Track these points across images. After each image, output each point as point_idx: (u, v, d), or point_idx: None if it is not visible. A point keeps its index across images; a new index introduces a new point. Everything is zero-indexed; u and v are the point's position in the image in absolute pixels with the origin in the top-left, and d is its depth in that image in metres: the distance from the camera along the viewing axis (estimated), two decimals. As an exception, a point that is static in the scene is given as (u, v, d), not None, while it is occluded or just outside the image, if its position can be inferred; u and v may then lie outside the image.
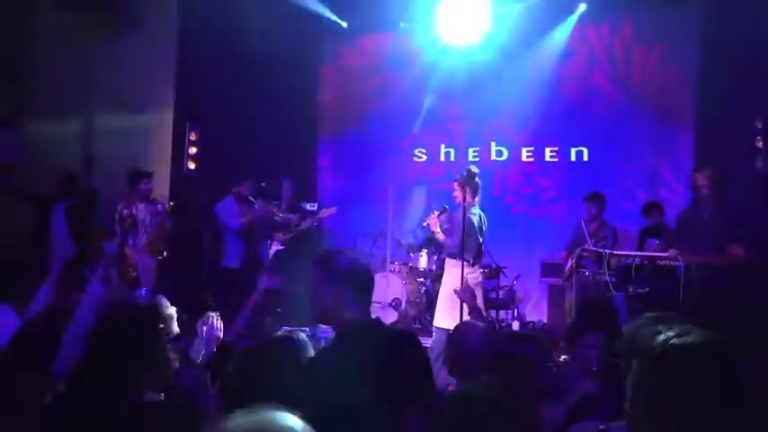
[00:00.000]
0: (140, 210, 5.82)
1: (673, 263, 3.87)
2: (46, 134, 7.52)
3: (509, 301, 7.24)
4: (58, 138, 7.42)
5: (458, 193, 5.20)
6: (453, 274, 4.99)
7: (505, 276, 7.15)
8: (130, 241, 5.72)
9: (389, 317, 6.66)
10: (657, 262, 3.99)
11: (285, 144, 8.34)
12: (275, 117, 7.90)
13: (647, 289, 3.95)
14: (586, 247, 5.26)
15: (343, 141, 9.08)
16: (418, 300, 7.00)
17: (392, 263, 7.33)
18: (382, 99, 8.74)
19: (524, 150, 8.16)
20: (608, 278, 4.22)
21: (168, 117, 6.93)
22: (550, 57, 7.86)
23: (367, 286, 2.23)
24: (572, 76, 7.95)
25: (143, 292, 3.07)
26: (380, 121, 8.73)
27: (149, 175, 5.93)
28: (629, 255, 4.25)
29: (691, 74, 7.10)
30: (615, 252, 4.47)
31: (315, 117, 9.10)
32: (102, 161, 6.86)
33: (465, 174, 5.19)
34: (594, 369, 2.57)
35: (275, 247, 7.02)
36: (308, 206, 8.10)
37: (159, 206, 5.86)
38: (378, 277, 7.14)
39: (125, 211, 5.76)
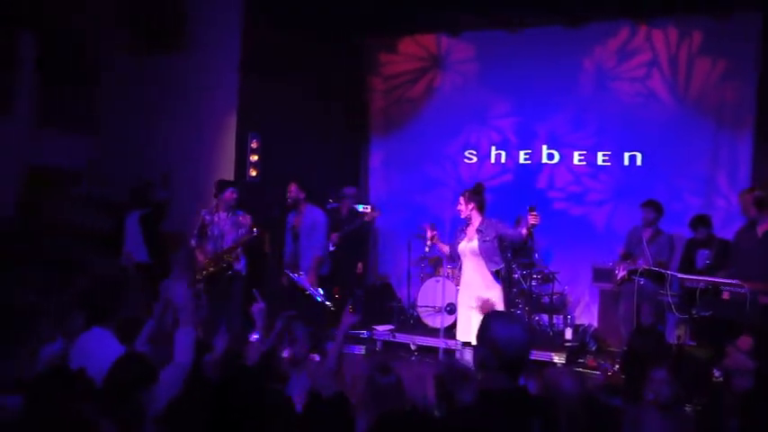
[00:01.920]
0: (222, 219, 6.08)
1: (738, 290, 3.94)
2: (115, 144, 7.90)
3: (561, 307, 7.36)
4: (126, 147, 7.78)
5: (462, 207, 5.16)
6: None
7: (558, 282, 7.25)
8: (208, 247, 6.04)
9: (445, 321, 6.84)
10: (721, 287, 4.07)
11: (338, 147, 8.58)
12: (328, 123, 8.15)
13: (710, 312, 4.03)
14: (642, 260, 5.32)
15: (394, 143, 9.23)
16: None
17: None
18: (431, 100, 8.89)
19: (576, 154, 8.19)
20: (670, 299, 4.31)
21: (231, 126, 7.20)
22: (609, 53, 7.87)
23: (516, 361, 2.16)
24: (628, 78, 7.93)
25: (257, 337, 3.23)
26: (430, 122, 8.88)
27: (234, 185, 6.17)
28: (695, 279, 4.31)
29: (752, 90, 7.07)
30: (679, 275, 4.54)
31: (366, 121, 9.28)
32: (170, 168, 7.19)
33: (472, 189, 5.24)
34: (666, 404, 2.69)
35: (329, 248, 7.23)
36: (359, 208, 8.34)
37: (240, 217, 6.11)
38: (431, 282, 7.35)
39: (207, 217, 6.09)
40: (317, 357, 5.83)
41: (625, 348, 5.38)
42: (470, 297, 5.05)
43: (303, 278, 6.05)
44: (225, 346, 3.31)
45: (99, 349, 3.62)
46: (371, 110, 9.29)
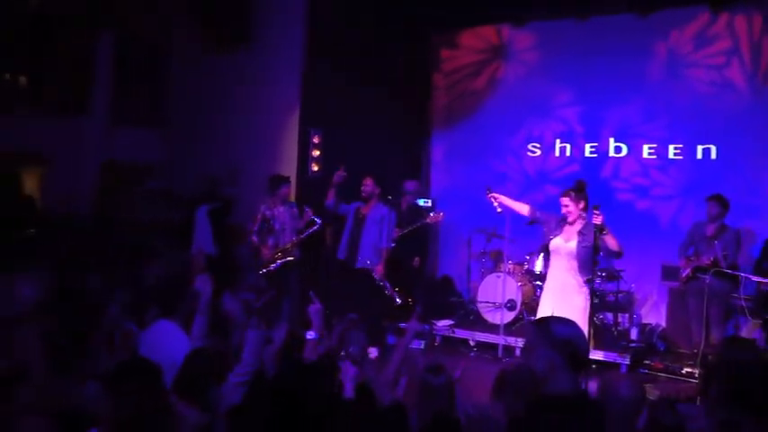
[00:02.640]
0: (280, 212, 6.25)
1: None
2: (183, 139, 8.20)
3: (627, 305, 7.13)
4: (194, 142, 8.06)
5: (571, 208, 4.97)
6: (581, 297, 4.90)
7: (624, 280, 7.02)
8: (270, 242, 6.21)
9: (505, 318, 6.77)
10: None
11: (399, 141, 8.59)
12: (389, 117, 8.15)
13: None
14: (705, 257, 5.06)
15: (455, 136, 9.14)
16: (533, 302, 7.06)
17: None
18: (493, 92, 8.76)
19: (646, 147, 7.88)
20: (744, 303, 4.11)
21: (294, 121, 7.33)
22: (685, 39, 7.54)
23: (582, 360, 2.15)
24: (704, 65, 7.55)
25: (313, 335, 3.28)
26: (493, 114, 8.75)
27: (288, 180, 6.33)
28: (769, 283, 4.10)
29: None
30: (755, 277, 4.32)
31: (427, 114, 9.24)
32: (235, 163, 7.39)
33: (576, 187, 5.07)
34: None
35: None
36: (421, 202, 8.33)
37: (296, 209, 6.25)
38: (492, 277, 7.27)
39: (267, 212, 6.26)
40: (374, 352, 5.89)
41: (712, 356, 5.12)
42: (555, 298, 4.95)
43: (375, 269, 6.16)
44: (283, 338, 3.40)
45: (166, 341, 3.79)
46: (433, 103, 9.23)
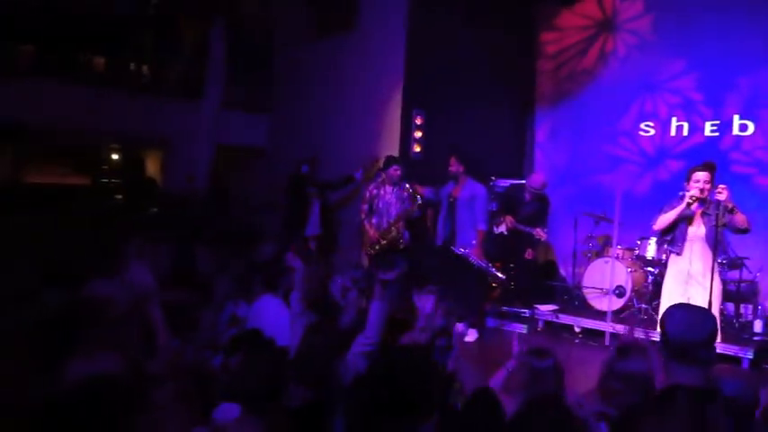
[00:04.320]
0: (388, 192, 6.31)
1: None
2: (290, 122, 8.47)
3: (750, 295, 6.60)
4: (300, 125, 8.31)
5: (708, 186, 4.68)
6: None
7: (747, 269, 6.50)
8: (374, 221, 6.29)
9: (614, 305, 6.48)
10: None
11: (501, 120, 8.40)
12: (492, 97, 7.99)
13: None
14: None
15: (560, 116, 8.82)
16: (644, 289, 6.70)
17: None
18: (601, 69, 8.34)
19: (775, 119, 7.18)
20: None
21: (397, 102, 7.35)
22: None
23: (698, 358, 2.06)
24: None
25: (461, 328, 3.24)
26: (600, 92, 8.33)
27: (399, 162, 6.36)
28: None
29: None
30: None
31: (531, 94, 8.97)
32: (338, 146, 7.54)
33: (709, 166, 4.75)
34: None
35: (500, 230, 7.13)
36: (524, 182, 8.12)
37: (405, 193, 6.28)
38: (599, 262, 6.97)
39: (374, 191, 6.35)
40: (461, 326, 5.81)
41: None
42: (686, 285, 4.78)
43: (470, 253, 6.03)
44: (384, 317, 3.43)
45: (270, 315, 3.96)
46: (537, 86, 8.95)
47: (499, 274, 5.98)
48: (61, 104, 6.76)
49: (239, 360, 2.41)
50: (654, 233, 6.72)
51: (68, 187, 9.77)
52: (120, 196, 9.53)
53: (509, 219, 6.98)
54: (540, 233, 6.81)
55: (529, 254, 7.13)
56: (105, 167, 10.07)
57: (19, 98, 6.41)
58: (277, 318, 3.82)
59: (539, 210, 7.09)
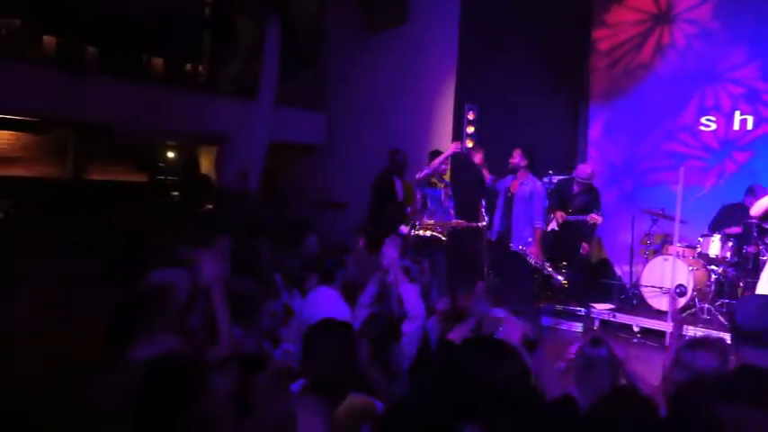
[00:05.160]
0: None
1: None
2: (342, 119, 8.52)
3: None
4: (351, 122, 8.34)
5: None
6: None
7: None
8: (425, 217, 6.27)
9: (674, 304, 6.27)
10: None
11: (553, 116, 8.26)
12: (545, 92, 7.87)
13: None
14: None
15: (615, 111, 8.61)
16: (707, 288, 6.46)
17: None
18: (659, 63, 8.09)
19: None
20: None
21: (449, 97, 7.31)
22: None
23: None
24: None
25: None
26: (658, 85, 8.09)
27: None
28: None
29: None
30: None
31: (585, 89, 8.78)
32: (390, 142, 7.53)
33: None
34: None
35: (551, 226, 6.99)
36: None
37: (449, 189, 6.23)
38: (658, 260, 6.76)
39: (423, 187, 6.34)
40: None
41: None
42: None
43: (528, 251, 5.89)
44: (445, 309, 3.43)
45: (326, 306, 3.98)
46: (590, 80, 8.76)
47: (558, 277, 5.82)
48: (121, 103, 6.97)
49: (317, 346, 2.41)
50: (717, 231, 6.50)
51: (127, 184, 10.09)
52: (176, 193, 9.78)
53: (559, 214, 6.83)
54: (594, 217, 6.65)
55: (584, 248, 6.96)
56: (162, 165, 10.35)
57: (82, 97, 6.63)
58: (333, 309, 3.83)
59: (589, 200, 6.94)
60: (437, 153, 6.32)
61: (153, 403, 1.90)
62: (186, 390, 2.00)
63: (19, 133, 8.76)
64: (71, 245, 5.11)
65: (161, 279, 2.98)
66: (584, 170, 6.95)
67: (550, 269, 5.78)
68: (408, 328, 3.03)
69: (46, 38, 6.96)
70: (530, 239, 5.94)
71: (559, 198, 7.01)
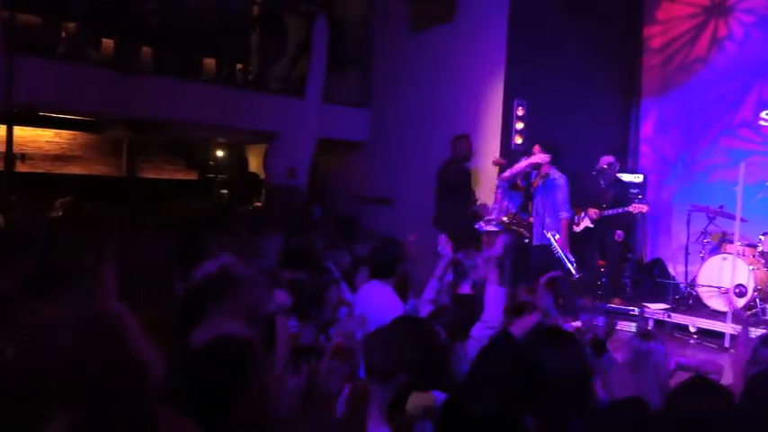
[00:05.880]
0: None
1: None
2: (389, 116, 8.53)
3: None
4: (398, 119, 8.36)
5: None
6: None
7: None
8: (501, 215, 6.28)
9: (734, 304, 6.07)
10: None
11: (604, 113, 8.10)
12: (596, 87, 7.72)
13: None
14: None
15: (669, 105, 8.39)
16: (769, 288, 6.24)
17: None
18: (714, 55, 7.85)
19: None
20: None
21: (498, 93, 7.23)
22: None
23: None
24: None
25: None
26: (716, 79, 7.83)
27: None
28: None
29: None
30: None
31: (637, 83, 8.60)
32: (437, 137, 7.51)
33: None
34: None
35: (585, 224, 6.88)
36: (632, 178, 7.78)
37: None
38: (716, 260, 6.55)
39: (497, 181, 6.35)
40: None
41: None
42: None
43: (558, 239, 5.86)
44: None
45: (379, 301, 3.98)
46: (642, 77, 8.58)
47: (574, 272, 5.75)
48: (175, 102, 7.13)
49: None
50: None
51: (178, 182, 10.33)
52: (225, 191, 9.96)
53: (592, 210, 6.71)
54: (638, 206, 6.55)
55: (619, 235, 6.82)
56: (212, 163, 10.55)
57: (138, 96, 6.81)
58: (386, 303, 3.83)
59: (621, 192, 6.88)
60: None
61: (205, 384, 1.92)
62: (239, 373, 2.03)
63: (78, 133, 9.07)
64: (129, 237, 5.27)
65: (222, 267, 3.07)
66: (604, 160, 6.86)
67: (573, 262, 5.72)
68: (479, 333, 2.93)
69: (104, 40, 7.16)
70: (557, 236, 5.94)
71: (586, 195, 6.86)
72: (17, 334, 2.22)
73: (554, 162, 6.20)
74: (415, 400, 2.06)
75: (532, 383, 2.08)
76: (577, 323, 3.48)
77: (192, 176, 10.65)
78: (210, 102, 7.35)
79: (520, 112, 7.14)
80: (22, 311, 2.44)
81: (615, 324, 3.25)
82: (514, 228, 6.08)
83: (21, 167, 6.32)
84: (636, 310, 6.56)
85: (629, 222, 7.44)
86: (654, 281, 7.57)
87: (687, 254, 7.17)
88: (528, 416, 1.91)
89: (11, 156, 4.35)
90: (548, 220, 6.07)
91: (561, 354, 2.12)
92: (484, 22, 7.40)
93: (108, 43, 7.18)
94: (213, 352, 1.95)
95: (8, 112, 4.45)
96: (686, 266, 7.18)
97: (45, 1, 6.26)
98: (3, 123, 4.49)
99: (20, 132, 4.43)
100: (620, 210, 6.63)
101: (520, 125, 7.14)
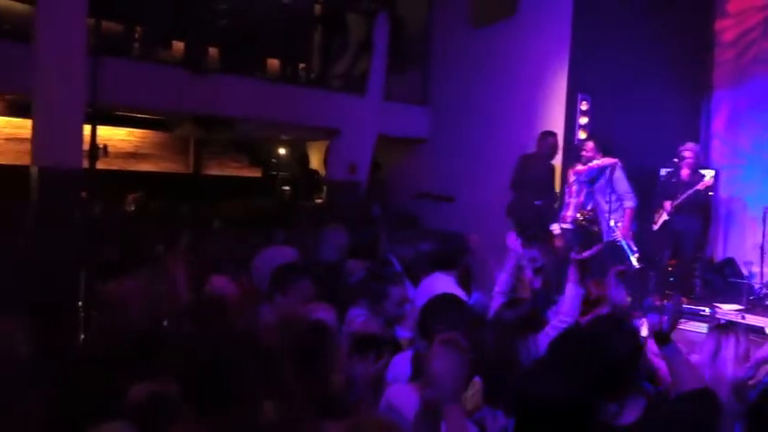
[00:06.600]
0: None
1: None
2: (448, 113, 8.53)
3: None
4: (458, 116, 8.34)
5: None
6: None
7: None
8: (575, 212, 6.24)
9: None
10: None
11: (672, 108, 7.85)
12: (663, 80, 7.49)
13: None
14: None
15: (743, 99, 8.08)
16: None
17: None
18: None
19: None
20: None
21: (561, 88, 7.13)
22: None
23: None
24: None
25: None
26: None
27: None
28: None
29: None
30: None
31: (708, 77, 8.29)
32: (499, 133, 7.46)
33: None
34: None
35: (662, 219, 6.69)
36: (703, 172, 7.52)
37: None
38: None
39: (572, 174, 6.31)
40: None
41: None
42: None
43: (620, 228, 5.81)
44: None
45: (441, 292, 3.99)
46: (713, 72, 8.29)
47: (635, 263, 5.62)
48: (241, 100, 7.33)
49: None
50: None
51: (242, 179, 10.61)
52: (287, 188, 10.16)
53: (667, 204, 6.53)
54: (704, 183, 6.51)
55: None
56: (274, 161, 10.78)
57: (205, 95, 7.04)
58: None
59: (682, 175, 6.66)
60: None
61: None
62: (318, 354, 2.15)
63: (148, 131, 9.44)
64: (200, 231, 5.46)
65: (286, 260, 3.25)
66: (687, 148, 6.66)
67: (635, 252, 5.61)
68: (553, 327, 2.93)
69: (174, 42, 7.44)
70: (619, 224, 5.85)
71: (664, 191, 6.72)
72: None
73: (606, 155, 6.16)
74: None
75: (601, 369, 2.08)
76: (644, 319, 3.41)
77: (255, 174, 10.91)
78: (274, 100, 7.52)
79: (584, 106, 7.03)
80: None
81: (681, 315, 3.18)
82: (586, 224, 5.99)
83: (98, 164, 6.65)
84: (706, 311, 6.32)
85: (704, 217, 7.21)
86: (726, 281, 7.28)
87: (763, 253, 6.86)
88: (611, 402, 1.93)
89: (95, 153, 4.62)
90: (614, 215, 6.01)
91: (617, 338, 2.14)
92: (546, 16, 7.31)
93: (178, 45, 7.45)
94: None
95: (94, 112, 4.74)
96: (762, 266, 6.87)
97: (124, 6, 6.56)
98: (88, 123, 4.78)
99: (99, 132, 4.68)
100: (689, 192, 6.44)
101: (584, 120, 7.02)
